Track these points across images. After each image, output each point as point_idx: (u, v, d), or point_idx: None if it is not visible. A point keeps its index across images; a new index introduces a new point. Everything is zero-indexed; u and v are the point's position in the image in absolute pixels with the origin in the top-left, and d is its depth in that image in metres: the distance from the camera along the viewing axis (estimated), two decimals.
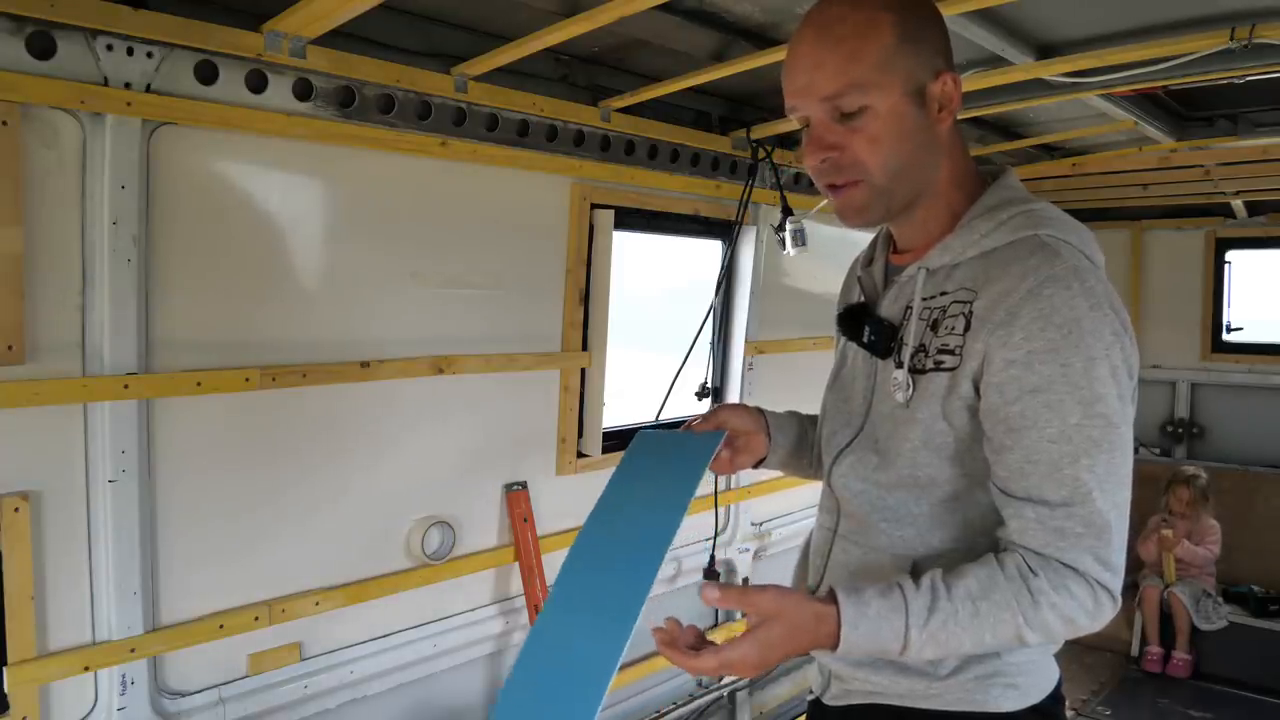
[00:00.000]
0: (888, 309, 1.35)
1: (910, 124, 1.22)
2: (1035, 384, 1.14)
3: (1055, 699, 1.35)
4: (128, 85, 1.97)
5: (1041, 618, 1.14)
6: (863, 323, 1.36)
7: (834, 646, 1.14)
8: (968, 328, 1.20)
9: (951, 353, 1.22)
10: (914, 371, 1.27)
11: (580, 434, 3.22)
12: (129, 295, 2.05)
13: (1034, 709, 1.31)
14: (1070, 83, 2.64)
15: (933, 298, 1.29)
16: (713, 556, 3.68)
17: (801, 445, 1.59)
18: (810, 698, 1.53)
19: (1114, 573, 1.16)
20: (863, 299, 1.44)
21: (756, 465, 1.57)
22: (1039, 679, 1.33)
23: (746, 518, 3.92)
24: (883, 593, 1.14)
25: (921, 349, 1.27)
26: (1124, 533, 1.17)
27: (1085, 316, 1.14)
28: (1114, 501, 1.15)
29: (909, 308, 1.31)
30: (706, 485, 3.67)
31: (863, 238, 1.56)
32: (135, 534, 2.14)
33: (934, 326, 1.26)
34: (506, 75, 2.56)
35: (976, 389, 1.21)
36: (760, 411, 1.55)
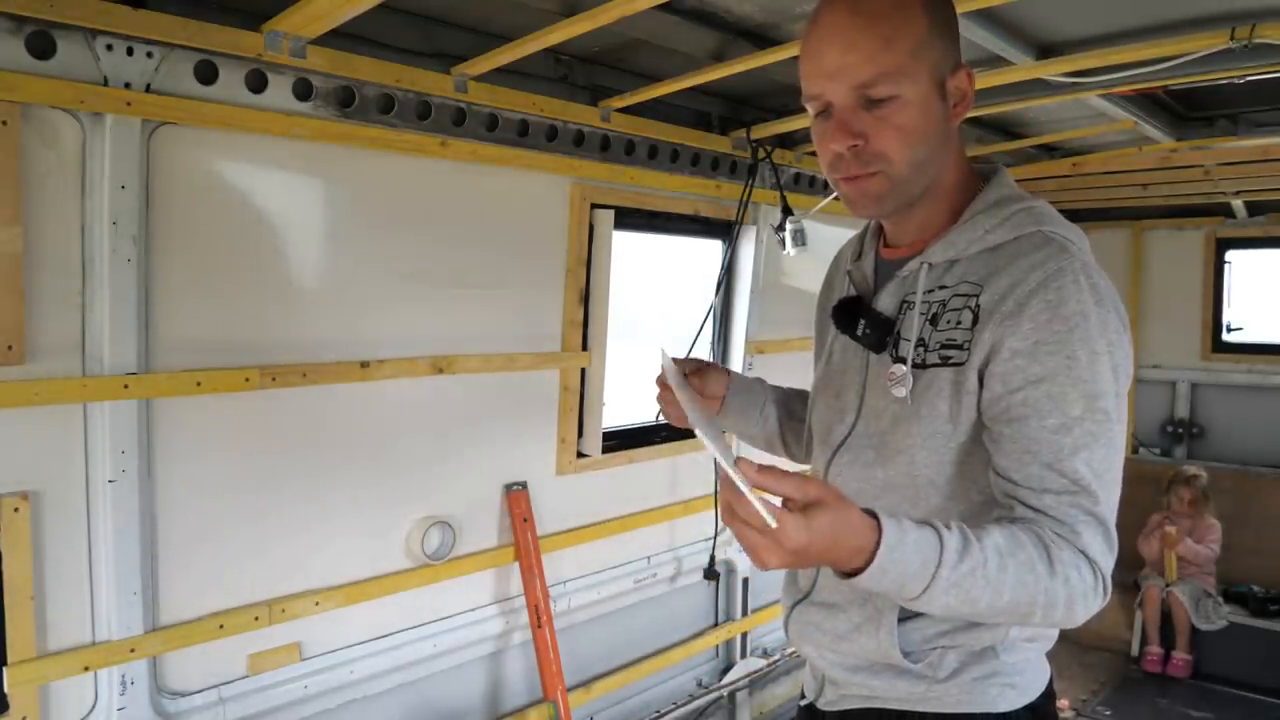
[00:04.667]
0: (883, 303, 1.34)
1: (934, 116, 1.22)
2: (1039, 374, 1.14)
3: (1048, 696, 1.36)
4: (128, 85, 1.97)
5: (1056, 589, 1.09)
6: (857, 317, 1.36)
7: (862, 566, 1.03)
8: (975, 321, 1.20)
9: (959, 347, 1.21)
10: (914, 366, 1.26)
11: (580, 434, 3.22)
12: (129, 295, 2.05)
13: (1029, 707, 1.31)
14: (1070, 83, 2.64)
15: (931, 291, 1.28)
16: (713, 556, 3.69)
17: (751, 410, 1.64)
18: (803, 703, 1.53)
19: (1109, 567, 1.15)
20: (854, 293, 1.43)
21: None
22: (1034, 677, 1.33)
23: None
24: (917, 524, 1.06)
25: (921, 343, 1.26)
26: (1114, 528, 1.17)
27: (1092, 312, 1.15)
28: (1110, 497, 1.15)
29: (906, 302, 1.31)
30: (706, 486, 3.68)
31: None
32: (135, 534, 2.14)
33: (933, 320, 1.26)
34: (506, 75, 2.57)
35: (981, 380, 1.20)
36: (728, 373, 1.63)
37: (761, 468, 1.00)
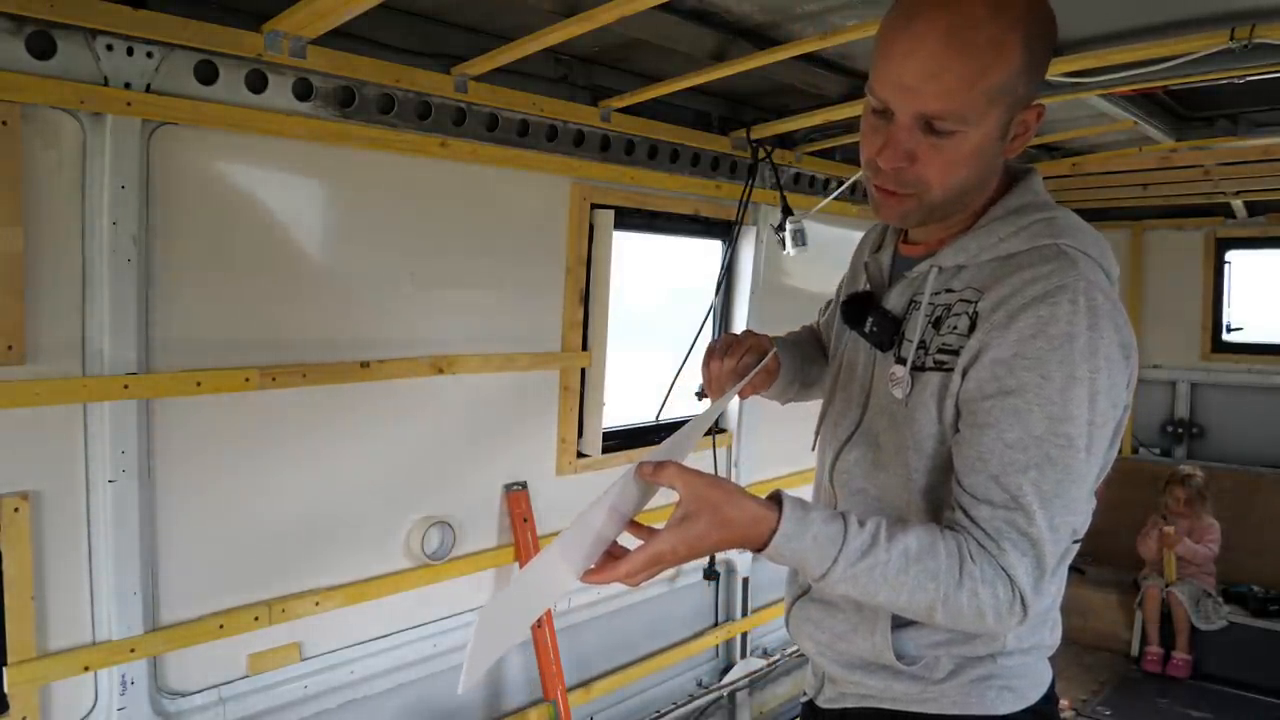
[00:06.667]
0: (893, 301, 1.33)
1: (989, 152, 1.19)
2: (1011, 386, 1.12)
3: (1049, 700, 1.35)
4: (128, 85, 1.97)
5: (959, 602, 1.11)
6: (866, 312, 1.34)
7: (759, 549, 1.12)
8: (972, 328, 1.18)
9: (954, 353, 1.20)
10: (913, 369, 1.25)
11: (580, 434, 3.22)
12: (129, 295, 2.05)
13: (1029, 711, 1.30)
14: (1070, 83, 2.64)
15: (938, 294, 1.27)
16: (712, 556, 3.68)
17: (794, 374, 1.60)
18: (804, 699, 1.53)
19: (1038, 591, 1.13)
20: (868, 287, 1.42)
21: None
22: (1034, 681, 1.33)
23: None
24: (827, 519, 1.12)
25: (922, 345, 1.25)
26: (1057, 554, 1.14)
27: (1081, 335, 1.11)
28: (1053, 522, 1.12)
29: (914, 302, 1.29)
30: None
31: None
32: (135, 534, 2.14)
33: (936, 324, 1.25)
34: (506, 75, 2.57)
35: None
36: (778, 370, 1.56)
37: (657, 466, 1.14)
